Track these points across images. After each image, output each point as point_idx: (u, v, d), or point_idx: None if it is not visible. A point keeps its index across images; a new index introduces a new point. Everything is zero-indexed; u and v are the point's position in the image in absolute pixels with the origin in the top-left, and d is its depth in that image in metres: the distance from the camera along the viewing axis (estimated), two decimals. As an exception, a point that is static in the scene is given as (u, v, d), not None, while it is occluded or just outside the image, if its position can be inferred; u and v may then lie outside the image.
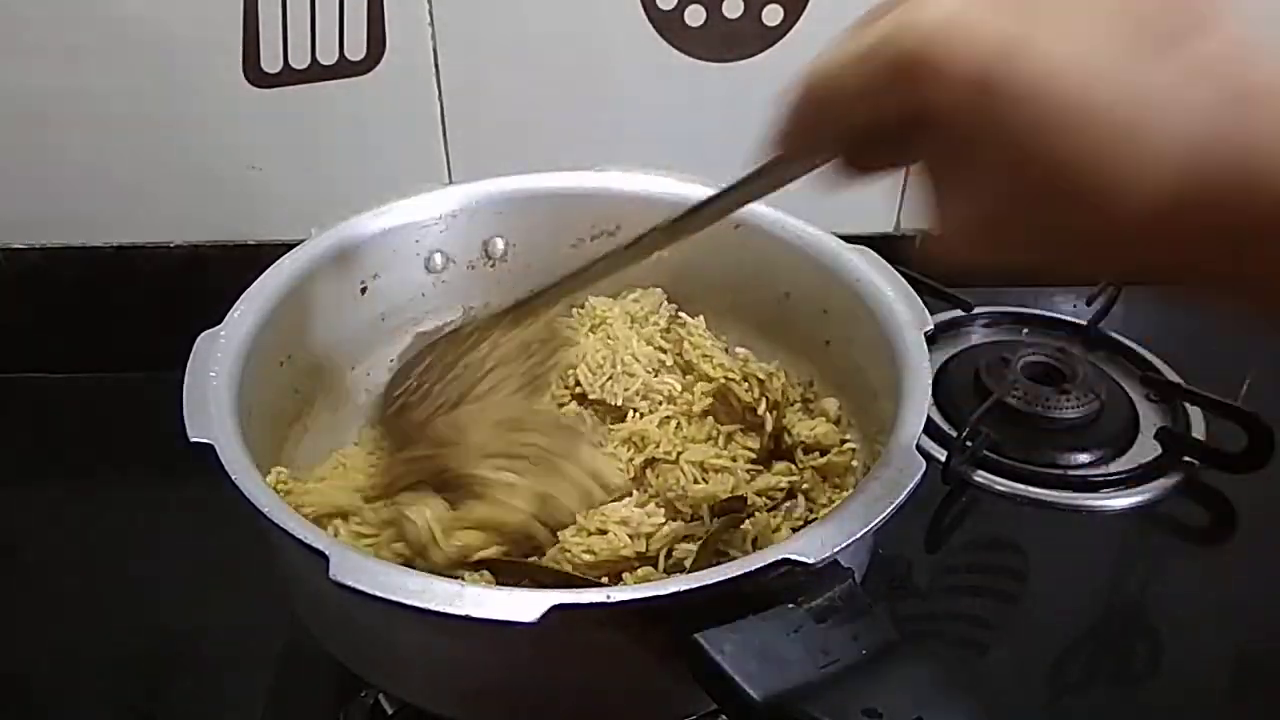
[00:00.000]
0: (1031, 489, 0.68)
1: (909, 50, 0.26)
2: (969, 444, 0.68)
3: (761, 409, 0.55)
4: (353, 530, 0.50)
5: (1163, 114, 0.25)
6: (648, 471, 0.54)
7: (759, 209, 0.60)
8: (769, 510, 0.52)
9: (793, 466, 0.55)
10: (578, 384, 0.59)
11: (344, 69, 0.72)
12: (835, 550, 0.39)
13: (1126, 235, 0.26)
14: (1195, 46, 0.25)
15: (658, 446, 0.54)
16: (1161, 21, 0.25)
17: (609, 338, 0.59)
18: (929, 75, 0.26)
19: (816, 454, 0.56)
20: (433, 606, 0.37)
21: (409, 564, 0.48)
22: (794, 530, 0.51)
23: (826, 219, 0.59)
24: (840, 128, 0.30)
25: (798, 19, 0.71)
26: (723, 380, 0.55)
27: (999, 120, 0.25)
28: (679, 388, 0.56)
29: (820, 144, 0.31)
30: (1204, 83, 0.25)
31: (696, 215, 0.41)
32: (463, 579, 0.47)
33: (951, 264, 0.29)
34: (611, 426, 0.57)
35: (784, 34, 0.72)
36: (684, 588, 0.38)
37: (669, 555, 0.49)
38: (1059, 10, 0.25)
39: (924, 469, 0.43)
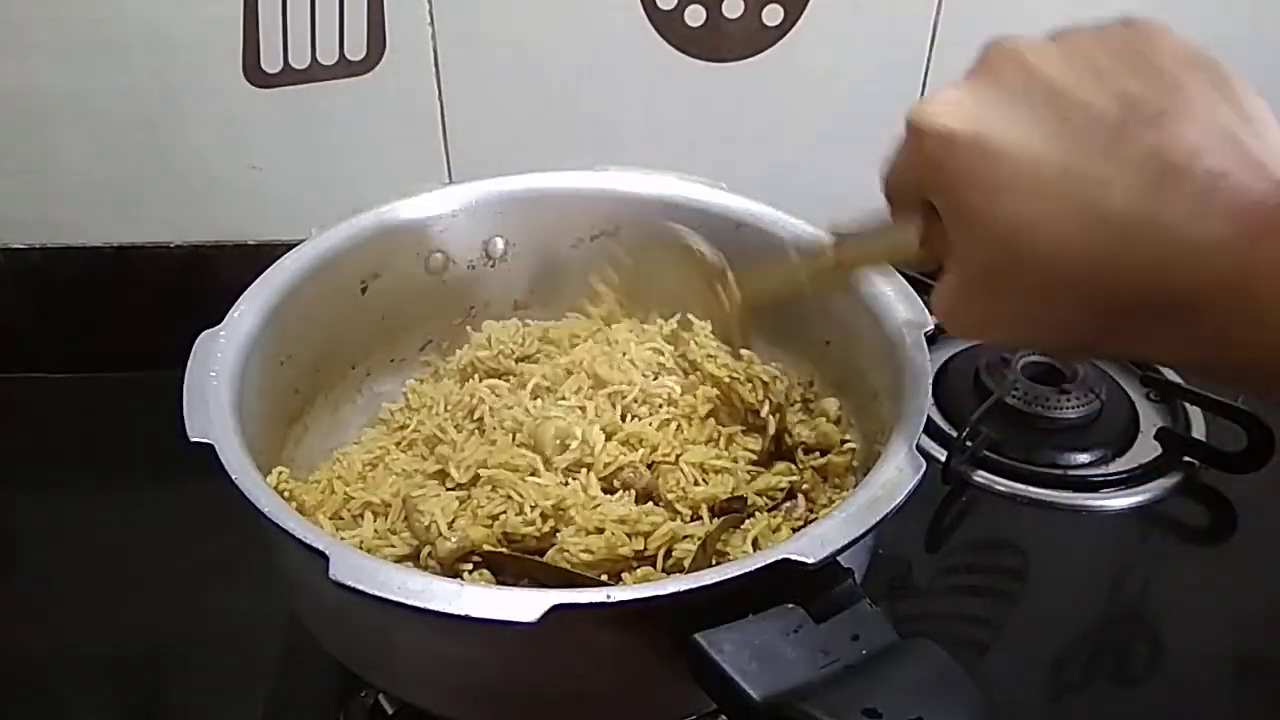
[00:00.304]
0: (1031, 489, 0.68)
1: (912, 119, 0.34)
2: (969, 444, 0.68)
3: (765, 411, 0.55)
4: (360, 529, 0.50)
5: (1099, 192, 0.29)
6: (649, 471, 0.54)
7: (759, 209, 0.60)
8: (769, 510, 0.52)
9: (793, 466, 0.55)
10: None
11: (344, 69, 0.72)
12: (835, 550, 0.39)
13: (1070, 303, 0.31)
14: (1145, 137, 0.29)
15: (655, 450, 0.54)
16: (1120, 114, 0.29)
17: (609, 342, 0.59)
18: (920, 135, 0.33)
19: (816, 454, 0.56)
20: (433, 606, 0.37)
21: (415, 554, 0.49)
22: (794, 530, 0.51)
23: (826, 219, 0.59)
24: (896, 190, 0.39)
25: (798, 19, 0.71)
26: (727, 380, 0.55)
27: (964, 180, 0.32)
28: (679, 390, 0.57)
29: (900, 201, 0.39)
30: (1138, 170, 0.29)
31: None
32: (461, 578, 0.47)
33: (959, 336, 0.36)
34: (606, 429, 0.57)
35: (784, 34, 0.72)
36: (684, 588, 0.38)
37: (668, 555, 0.49)
38: (1032, 103, 0.31)
39: (924, 469, 0.43)
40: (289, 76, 0.72)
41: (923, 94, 0.73)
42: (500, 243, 0.64)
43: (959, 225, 0.33)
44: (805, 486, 0.54)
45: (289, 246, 0.57)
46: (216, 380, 0.47)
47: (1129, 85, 0.30)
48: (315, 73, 0.72)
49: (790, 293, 0.53)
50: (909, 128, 0.34)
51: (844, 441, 0.56)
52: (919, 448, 0.44)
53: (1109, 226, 0.29)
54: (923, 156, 0.34)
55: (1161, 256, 0.28)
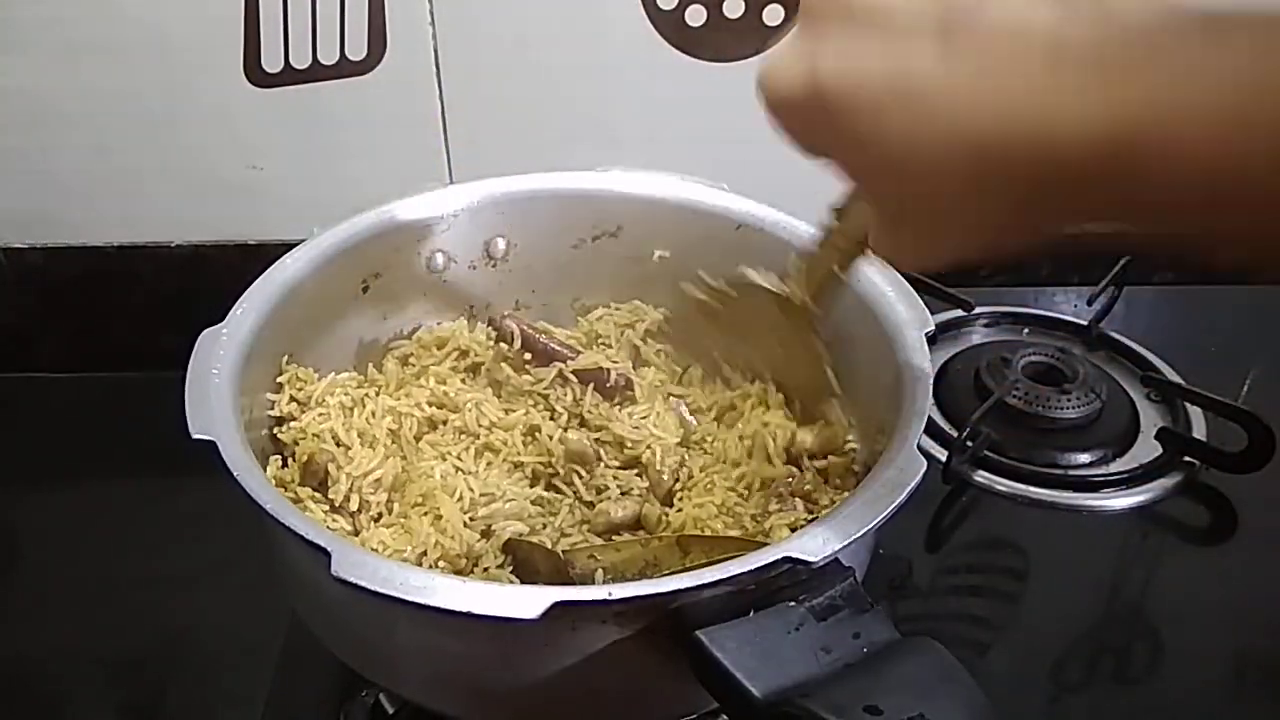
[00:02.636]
0: (1032, 489, 0.68)
1: (761, 77, 0.34)
2: (969, 444, 0.68)
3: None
4: None
5: (939, 96, 0.29)
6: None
7: (759, 209, 0.60)
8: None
9: (795, 470, 0.55)
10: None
11: (345, 69, 0.72)
12: (836, 549, 0.39)
13: (975, 200, 0.30)
14: (973, 32, 0.28)
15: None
16: (936, 19, 0.29)
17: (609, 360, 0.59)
18: (768, 100, 0.34)
19: (819, 456, 0.56)
20: (434, 603, 0.37)
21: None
22: (792, 530, 0.51)
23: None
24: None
25: (798, 19, 0.71)
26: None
27: (831, 135, 0.32)
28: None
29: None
30: (971, 62, 0.28)
31: None
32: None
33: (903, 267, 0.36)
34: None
35: (784, 34, 0.72)
36: (685, 585, 0.38)
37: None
38: (860, 31, 0.30)
39: (924, 469, 0.43)
40: (289, 76, 0.72)
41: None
42: (501, 243, 0.64)
43: (850, 171, 0.34)
44: (806, 487, 0.54)
45: (289, 246, 0.57)
46: (218, 378, 0.47)
47: None
48: (316, 72, 0.72)
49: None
50: (761, 93, 0.34)
51: (845, 443, 0.56)
52: (919, 448, 0.44)
53: (975, 121, 0.28)
54: (788, 127, 0.34)
55: (1039, 135, 0.27)
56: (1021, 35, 0.27)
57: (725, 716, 0.43)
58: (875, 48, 0.30)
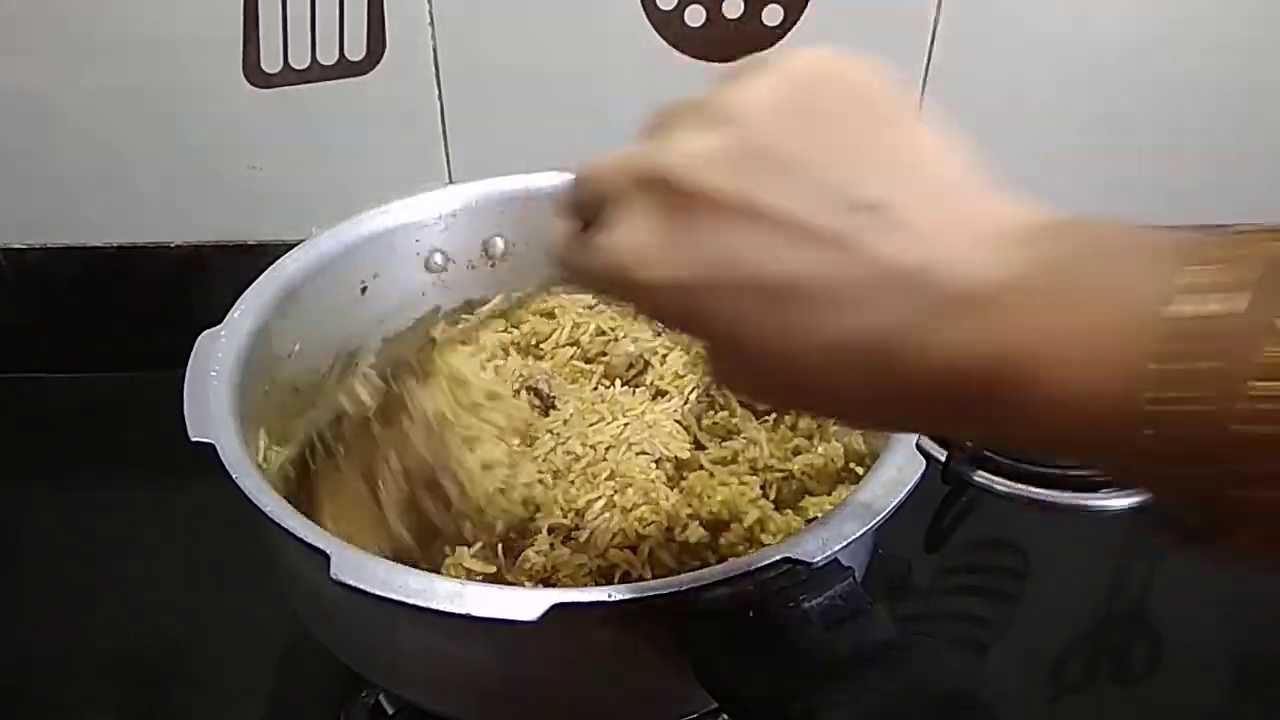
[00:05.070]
0: (1031, 489, 0.68)
1: (612, 266, 0.30)
2: (969, 443, 0.68)
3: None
4: None
5: (825, 309, 0.26)
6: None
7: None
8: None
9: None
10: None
11: (344, 69, 0.72)
12: (835, 550, 0.39)
13: (832, 404, 0.29)
14: (871, 246, 0.26)
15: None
16: (834, 223, 0.26)
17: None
18: (633, 290, 0.29)
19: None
20: (434, 605, 0.37)
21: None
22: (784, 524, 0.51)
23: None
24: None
25: (798, 19, 0.71)
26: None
27: (701, 322, 0.29)
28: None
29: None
30: (882, 282, 0.26)
31: None
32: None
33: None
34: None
35: (784, 34, 0.72)
36: (684, 587, 0.38)
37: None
38: (726, 229, 0.27)
39: (924, 469, 0.43)
40: (289, 76, 0.72)
41: (922, 93, 0.73)
42: (500, 242, 0.64)
43: (710, 352, 0.31)
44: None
45: (289, 246, 0.57)
46: (217, 379, 0.47)
47: (829, 177, 0.27)
48: (315, 73, 0.72)
49: None
50: (610, 276, 0.30)
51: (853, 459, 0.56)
52: (919, 447, 0.44)
53: (853, 343, 0.26)
54: (641, 305, 0.30)
55: (894, 366, 0.26)
56: (908, 255, 0.25)
57: (725, 716, 0.43)
58: (761, 237, 0.27)
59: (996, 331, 0.24)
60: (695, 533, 0.49)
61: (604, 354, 0.60)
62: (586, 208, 0.32)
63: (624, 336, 0.60)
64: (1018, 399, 0.24)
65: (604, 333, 0.61)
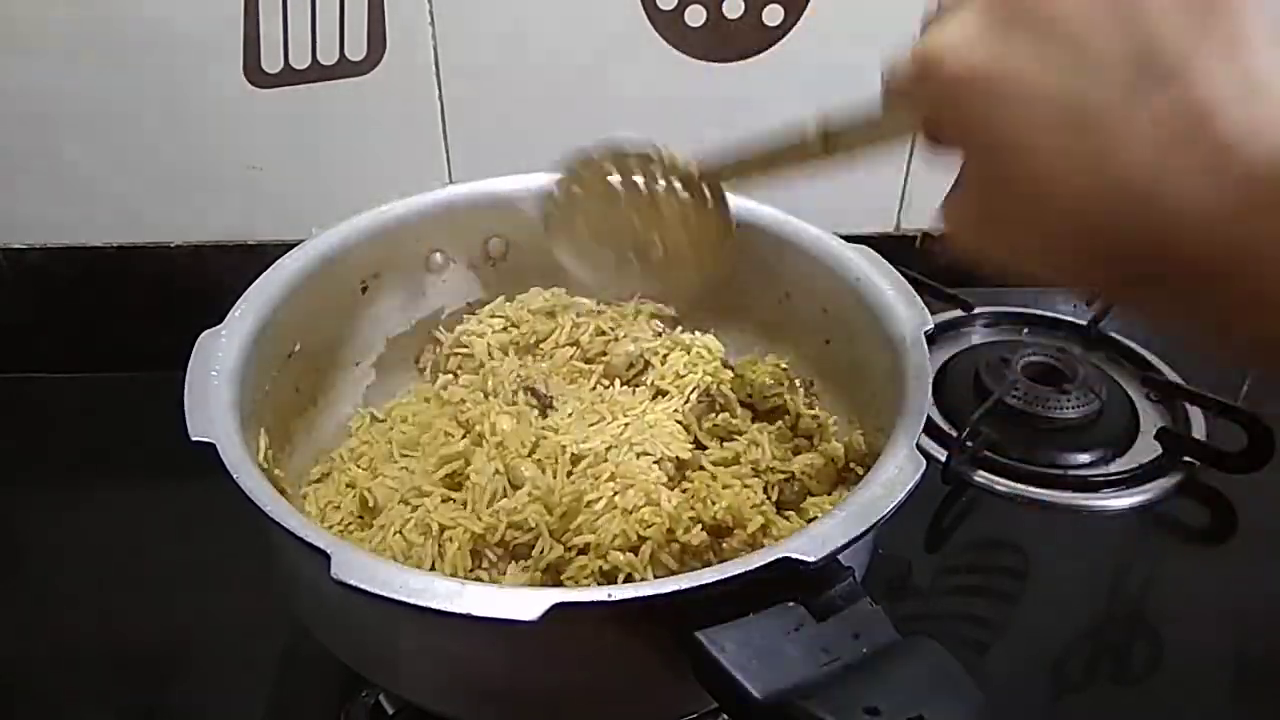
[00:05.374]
0: (1031, 489, 0.68)
1: (919, 55, 0.32)
2: (969, 444, 0.68)
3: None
4: None
5: (1108, 151, 0.28)
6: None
7: (759, 209, 0.60)
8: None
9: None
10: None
11: (344, 69, 0.72)
12: (835, 549, 0.39)
13: (1072, 250, 0.31)
14: (1156, 98, 0.28)
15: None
16: (1125, 73, 0.28)
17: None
18: (927, 76, 0.32)
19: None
20: (434, 605, 0.37)
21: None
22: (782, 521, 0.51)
23: (826, 219, 0.59)
24: (903, 103, 0.36)
25: (798, 19, 0.71)
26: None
27: (976, 122, 0.31)
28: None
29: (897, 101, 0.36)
30: (1147, 134, 0.28)
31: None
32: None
33: (952, 253, 0.34)
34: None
35: (784, 34, 0.72)
36: (684, 586, 0.38)
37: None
38: (1049, 46, 0.29)
39: (924, 469, 0.43)
40: (289, 76, 0.72)
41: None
42: (500, 242, 0.64)
43: (970, 155, 0.32)
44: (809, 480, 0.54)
45: (289, 246, 0.57)
46: (217, 379, 0.47)
47: (1144, 30, 0.28)
48: (315, 73, 0.72)
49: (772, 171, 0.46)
50: (918, 62, 0.32)
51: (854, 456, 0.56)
52: (919, 447, 0.44)
53: (1115, 188, 0.28)
54: (931, 93, 0.32)
55: (1164, 223, 0.28)
56: (1195, 126, 0.27)
57: (725, 717, 0.43)
58: (1059, 76, 0.29)
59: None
60: (698, 536, 0.49)
61: (604, 354, 0.60)
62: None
63: (624, 336, 0.60)
64: (1258, 290, 0.27)
65: (604, 332, 0.61)
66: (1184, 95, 0.27)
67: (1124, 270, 0.30)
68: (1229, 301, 0.28)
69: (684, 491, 0.52)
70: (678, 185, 0.50)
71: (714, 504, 0.50)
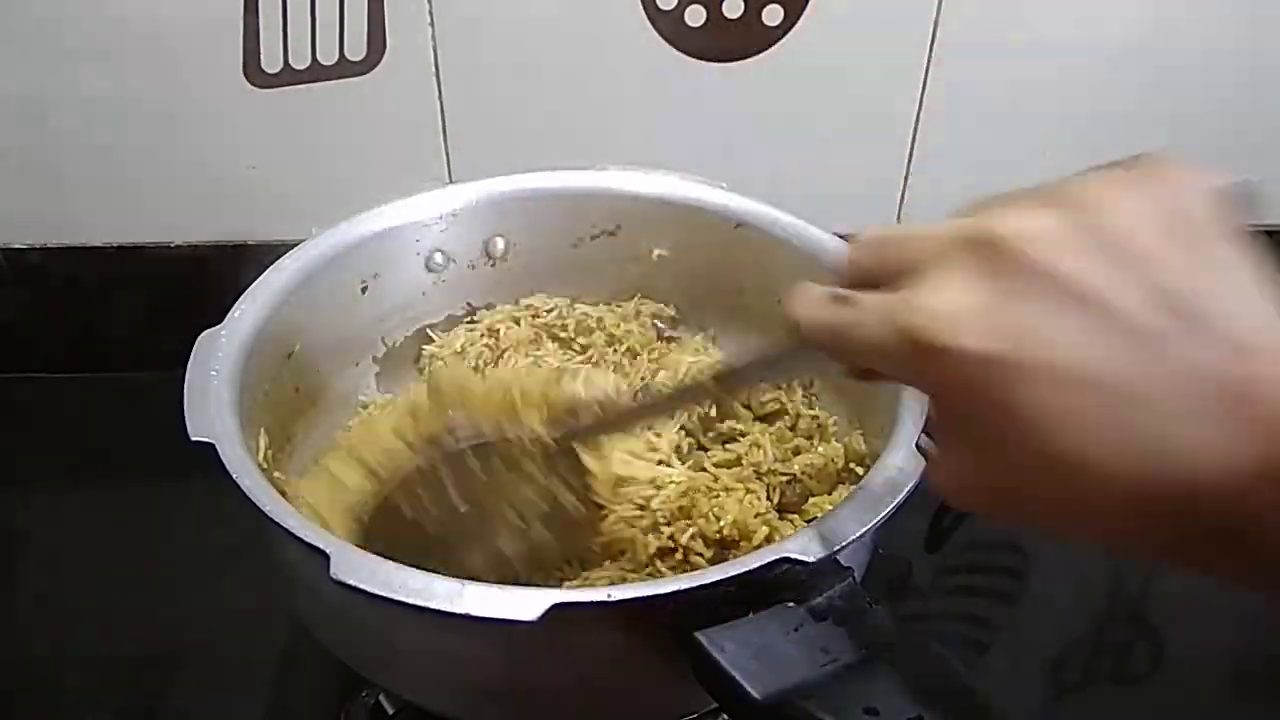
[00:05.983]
0: (1031, 489, 0.68)
1: (916, 327, 0.27)
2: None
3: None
4: None
5: (1137, 415, 0.25)
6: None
7: (759, 209, 0.60)
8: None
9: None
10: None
11: (344, 69, 0.72)
12: (835, 549, 0.39)
13: (1098, 512, 0.27)
14: (1186, 353, 0.25)
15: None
16: (1157, 323, 0.25)
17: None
18: (934, 355, 0.27)
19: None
20: (433, 605, 0.37)
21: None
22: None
23: (826, 219, 0.59)
24: (851, 360, 0.32)
25: (798, 19, 0.71)
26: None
27: (987, 404, 0.27)
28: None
29: (835, 357, 0.32)
30: (1179, 391, 0.25)
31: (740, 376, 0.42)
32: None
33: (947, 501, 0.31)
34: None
35: (784, 34, 0.72)
36: (684, 586, 0.38)
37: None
38: (1065, 312, 0.26)
39: (924, 469, 0.43)
40: (289, 76, 0.72)
41: (922, 94, 0.73)
42: (500, 242, 0.64)
43: (977, 430, 0.28)
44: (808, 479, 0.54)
45: (289, 246, 0.57)
46: (217, 379, 0.47)
47: (1162, 279, 0.26)
48: (315, 73, 0.72)
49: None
50: (913, 338, 0.27)
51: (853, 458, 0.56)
52: (919, 448, 0.44)
53: (1150, 454, 0.25)
54: (935, 377, 0.28)
55: (1194, 479, 0.25)
56: (1221, 375, 0.25)
57: (725, 717, 0.43)
58: (1093, 326, 0.25)
59: None
60: (704, 557, 0.49)
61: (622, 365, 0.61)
62: (877, 272, 0.30)
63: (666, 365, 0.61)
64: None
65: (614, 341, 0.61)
66: (1207, 346, 0.25)
67: (1155, 531, 0.27)
68: (1261, 560, 0.26)
69: (689, 515, 0.51)
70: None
71: (718, 519, 0.49)
